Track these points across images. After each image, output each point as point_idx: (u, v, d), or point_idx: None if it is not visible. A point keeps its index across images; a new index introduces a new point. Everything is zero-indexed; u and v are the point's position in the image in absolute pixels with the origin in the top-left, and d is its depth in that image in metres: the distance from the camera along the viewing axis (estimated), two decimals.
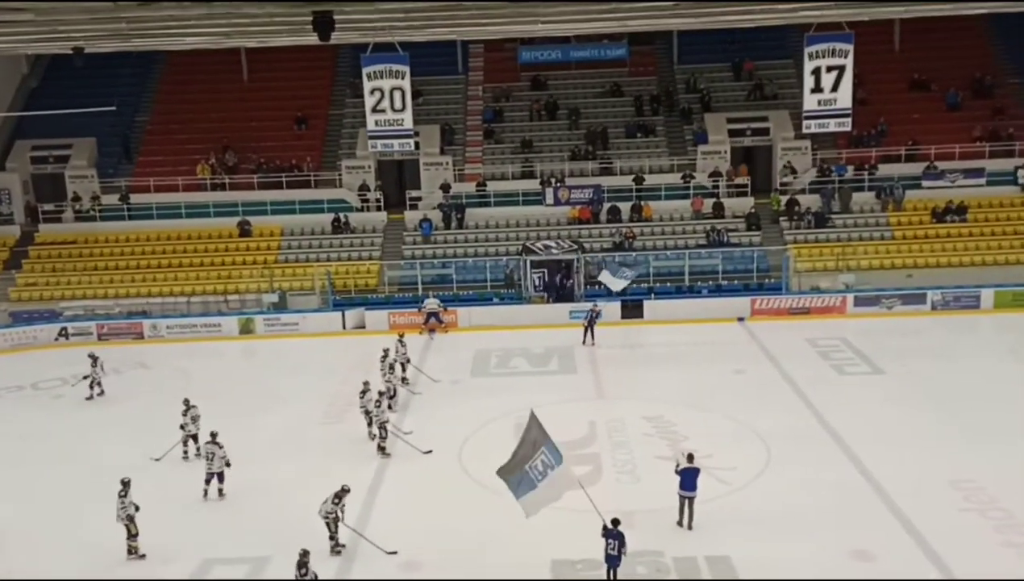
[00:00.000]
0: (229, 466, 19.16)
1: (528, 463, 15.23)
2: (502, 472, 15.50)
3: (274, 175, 38.14)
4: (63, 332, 32.39)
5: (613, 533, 14.86)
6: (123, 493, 16.83)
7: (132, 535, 16.77)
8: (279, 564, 16.03)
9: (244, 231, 36.80)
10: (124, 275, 35.53)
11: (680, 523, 16.86)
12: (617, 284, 30.97)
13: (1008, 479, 18.21)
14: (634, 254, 34.06)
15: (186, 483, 19.93)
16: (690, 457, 17.15)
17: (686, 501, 16.83)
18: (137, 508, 16.81)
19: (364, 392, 21.70)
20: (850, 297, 31.82)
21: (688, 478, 16.82)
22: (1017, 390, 23.58)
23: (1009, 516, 16.78)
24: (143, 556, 16.77)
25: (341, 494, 16.58)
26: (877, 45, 38.47)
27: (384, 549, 16.41)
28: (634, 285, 32.37)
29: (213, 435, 19.38)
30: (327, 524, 16.47)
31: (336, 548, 16.54)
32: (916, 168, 36.55)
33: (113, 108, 38.16)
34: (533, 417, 15.57)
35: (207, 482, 19.26)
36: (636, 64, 41.59)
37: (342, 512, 16.59)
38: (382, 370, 24.14)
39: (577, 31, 31.90)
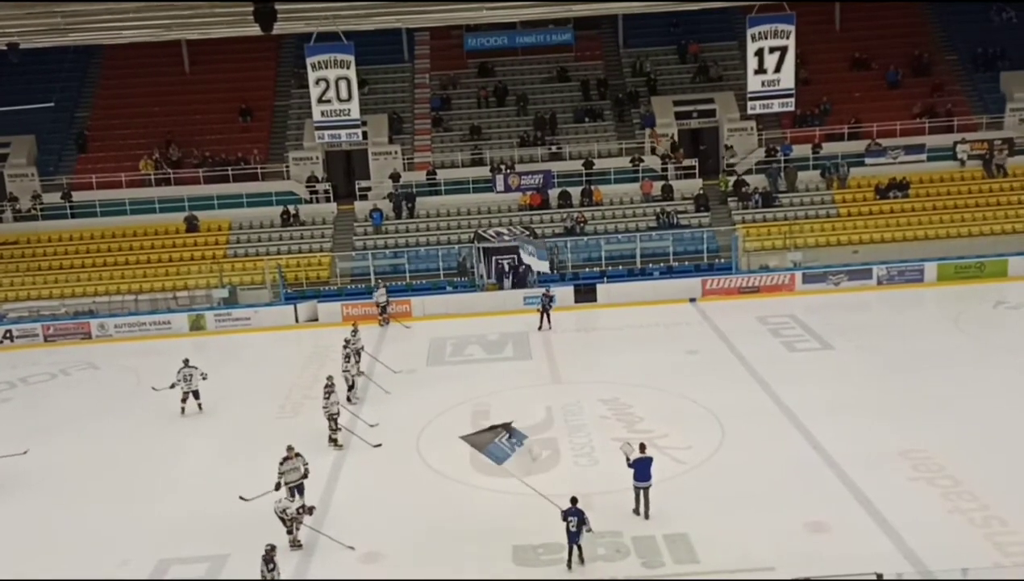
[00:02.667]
0: (205, 378, 23.19)
1: (495, 441, 16.37)
2: (468, 436, 16.67)
3: (220, 169, 37.59)
4: (8, 334, 31.68)
5: (572, 511, 15.06)
6: (283, 460, 17.43)
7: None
8: (237, 562, 15.93)
9: (191, 226, 36.24)
10: (69, 274, 34.81)
11: (637, 511, 16.74)
12: (539, 265, 31.17)
13: (954, 448, 18.69)
14: (585, 238, 34.29)
15: (140, 483, 19.71)
16: (642, 447, 16.98)
17: (641, 491, 16.73)
18: (306, 474, 17.54)
19: (330, 387, 21.40)
20: (798, 274, 32.32)
21: (642, 468, 16.71)
22: (961, 360, 24.20)
23: (956, 483, 17.22)
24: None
25: (305, 511, 16.54)
26: (818, 25, 39.09)
27: (343, 543, 16.36)
28: (585, 268, 32.69)
29: (186, 361, 23.25)
30: (282, 520, 16.37)
31: (295, 543, 16.47)
32: (859, 146, 37.16)
33: (52, 104, 37.41)
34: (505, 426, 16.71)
35: (183, 401, 23.11)
36: (582, 49, 41.66)
37: (299, 519, 16.52)
38: (354, 360, 24.29)
39: (522, 16, 31.88)
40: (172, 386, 23.41)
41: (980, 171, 36.44)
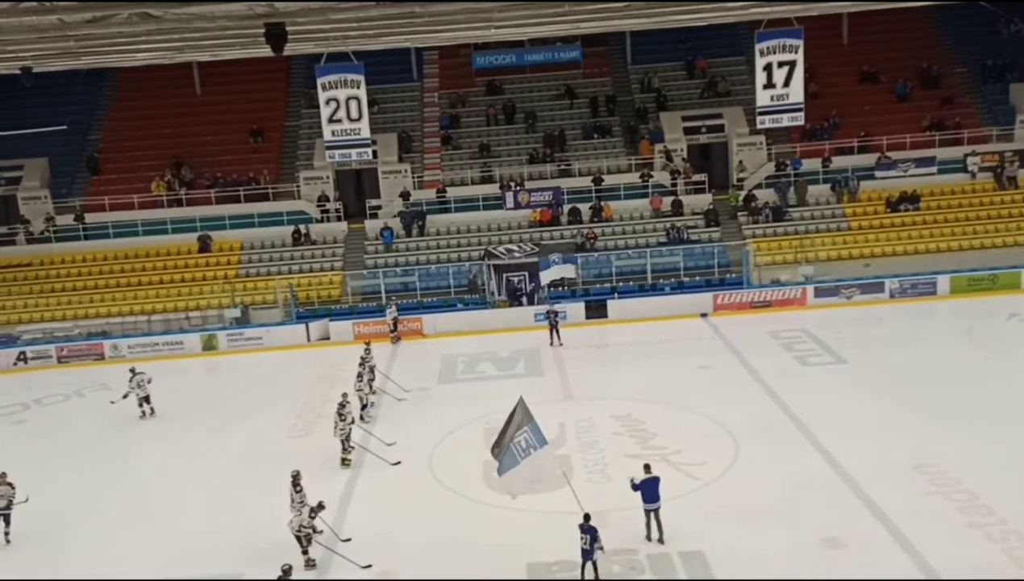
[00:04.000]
0: (151, 382, 24.89)
1: (512, 440, 16.10)
2: (493, 449, 16.51)
3: (231, 189, 37.81)
4: (22, 356, 31.82)
5: (585, 528, 15.02)
6: (299, 489, 16.93)
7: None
8: None
9: (204, 246, 36.44)
10: (82, 296, 35.01)
11: (649, 537, 16.32)
12: (553, 273, 31.15)
13: (970, 461, 18.55)
14: (595, 254, 34.29)
15: (154, 503, 19.74)
16: (647, 467, 16.58)
17: (651, 514, 16.31)
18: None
19: (343, 405, 21.39)
20: (810, 288, 32.24)
21: (650, 489, 16.26)
22: (974, 373, 24.06)
23: (973, 497, 17.09)
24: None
25: (317, 509, 16.54)
26: (826, 39, 39.06)
27: (358, 564, 16.33)
28: (596, 284, 32.71)
29: (133, 369, 25.25)
30: (298, 539, 16.37)
31: (309, 562, 16.44)
32: (869, 159, 37.14)
33: (64, 127, 37.75)
34: (521, 402, 16.55)
35: (140, 406, 24.91)
36: (590, 66, 41.83)
37: (314, 529, 16.54)
38: (366, 379, 24.37)
39: (530, 35, 32.02)
40: (126, 396, 24.92)
41: (991, 183, 36.34)
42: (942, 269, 32.56)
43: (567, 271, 31.92)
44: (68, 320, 33.70)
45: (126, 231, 37.01)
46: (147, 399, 25.01)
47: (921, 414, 21.33)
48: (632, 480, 16.55)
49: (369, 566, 16.31)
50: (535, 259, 32.90)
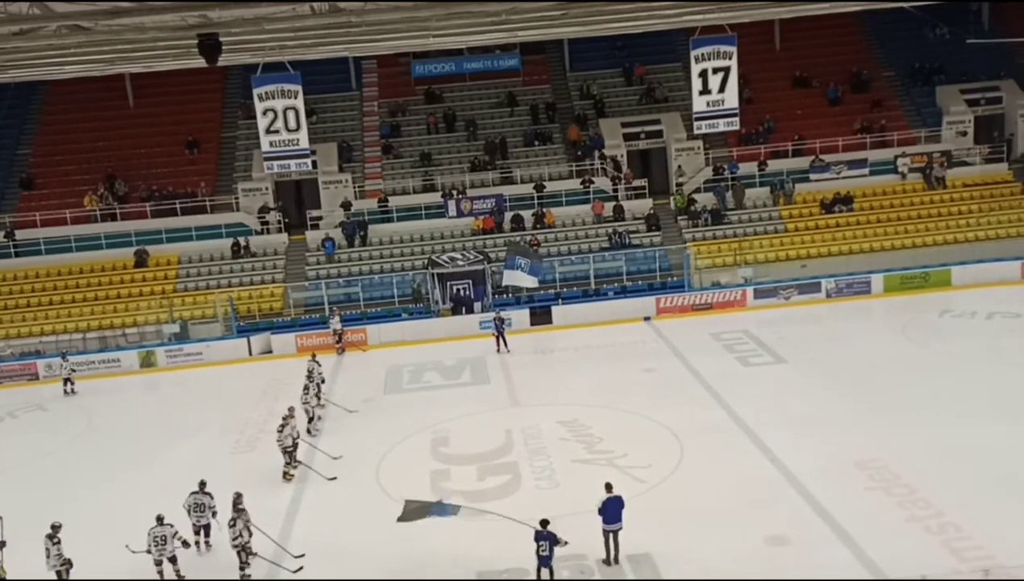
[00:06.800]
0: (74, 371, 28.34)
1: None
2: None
3: (167, 202, 37.14)
4: None
5: (543, 535, 14.97)
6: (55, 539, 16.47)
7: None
8: None
9: (141, 261, 35.71)
10: (14, 314, 34.06)
11: (607, 561, 15.86)
12: (526, 280, 30.98)
13: (908, 456, 18.97)
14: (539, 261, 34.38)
15: (95, 523, 19.26)
16: (608, 487, 15.94)
17: (611, 535, 15.85)
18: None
19: (284, 423, 21.06)
20: (749, 290, 32.75)
21: (612, 509, 15.72)
22: (910, 369, 24.66)
23: (911, 492, 17.47)
24: None
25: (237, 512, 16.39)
26: (759, 45, 39.84)
27: (288, 569, 16.26)
28: (540, 290, 32.80)
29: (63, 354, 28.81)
30: (237, 554, 16.16)
31: (245, 578, 16.23)
32: (803, 162, 37.89)
33: None
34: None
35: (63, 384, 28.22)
36: (529, 73, 42.02)
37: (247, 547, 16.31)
38: (313, 392, 24.00)
39: (469, 43, 32.04)
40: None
41: (921, 183, 37.32)
42: (876, 268, 33.32)
43: (529, 282, 31.09)
44: None
45: (59, 247, 36.09)
46: (69, 380, 28.69)
47: (860, 410, 21.77)
48: (598, 507, 15.86)
49: (300, 569, 16.28)
50: (479, 267, 32.91)
